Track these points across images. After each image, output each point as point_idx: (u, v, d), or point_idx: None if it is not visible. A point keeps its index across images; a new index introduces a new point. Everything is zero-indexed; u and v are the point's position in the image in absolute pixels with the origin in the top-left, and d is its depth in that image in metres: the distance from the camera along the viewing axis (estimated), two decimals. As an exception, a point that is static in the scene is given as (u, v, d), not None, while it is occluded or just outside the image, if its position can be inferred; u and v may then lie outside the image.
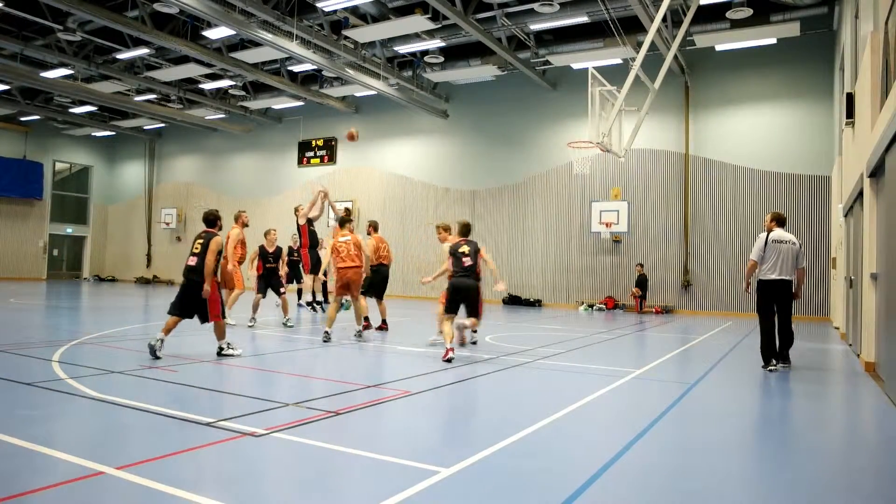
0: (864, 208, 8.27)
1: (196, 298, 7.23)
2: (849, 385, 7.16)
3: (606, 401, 5.73)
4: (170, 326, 7.23)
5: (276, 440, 4.03)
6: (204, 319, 7.34)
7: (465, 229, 8.71)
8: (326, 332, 9.28)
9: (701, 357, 9.01)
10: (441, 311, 8.56)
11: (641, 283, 18.55)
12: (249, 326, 10.87)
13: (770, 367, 7.61)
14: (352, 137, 12.29)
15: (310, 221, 12.20)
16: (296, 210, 12.54)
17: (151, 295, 20.90)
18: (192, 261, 7.26)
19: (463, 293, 8.23)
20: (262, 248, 11.68)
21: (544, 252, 20.66)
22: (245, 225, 11.29)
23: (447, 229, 9.36)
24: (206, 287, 7.21)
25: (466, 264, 8.24)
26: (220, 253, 7.34)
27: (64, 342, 8.25)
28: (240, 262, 11.46)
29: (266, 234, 11.84)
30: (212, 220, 7.60)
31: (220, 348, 7.54)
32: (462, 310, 8.37)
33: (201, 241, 7.38)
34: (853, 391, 6.83)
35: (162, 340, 7.13)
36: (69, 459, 3.49)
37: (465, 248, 8.30)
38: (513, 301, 20.64)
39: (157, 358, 7.02)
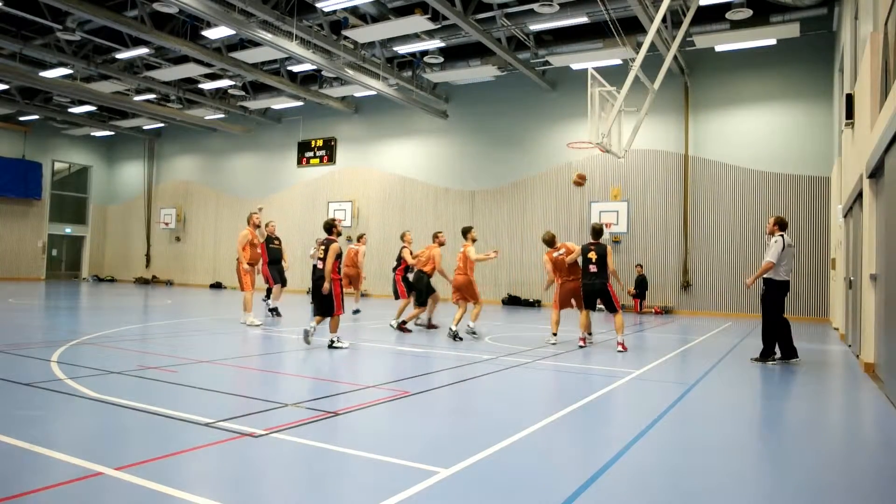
0: (864, 209, 8.27)
1: (323, 296, 8.37)
2: (848, 386, 7.16)
3: (606, 401, 5.73)
4: (318, 322, 8.60)
5: (274, 441, 4.02)
6: (329, 313, 8.42)
7: (596, 233, 9.59)
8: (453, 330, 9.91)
9: (700, 358, 9.00)
10: (556, 316, 9.80)
11: (640, 283, 18.55)
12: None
13: (795, 360, 8.26)
14: (581, 181, 12.94)
15: (269, 239, 12.09)
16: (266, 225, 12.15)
17: (150, 295, 20.88)
18: (320, 264, 8.48)
19: (592, 295, 9.36)
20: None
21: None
22: (256, 226, 11.56)
23: (549, 242, 10.24)
24: (326, 285, 8.28)
25: (592, 270, 9.25)
26: (339, 255, 8.48)
27: (63, 342, 8.23)
28: (251, 264, 11.51)
29: (402, 236, 12.26)
30: (328, 227, 8.71)
31: (332, 341, 8.42)
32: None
33: (324, 247, 8.46)
34: (852, 392, 6.83)
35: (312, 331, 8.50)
36: (68, 460, 3.48)
37: (591, 255, 9.27)
38: (512, 301, 20.64)
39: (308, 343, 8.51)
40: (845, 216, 11.28)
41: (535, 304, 20.27)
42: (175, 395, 5.42)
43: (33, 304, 15.67)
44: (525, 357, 8.24)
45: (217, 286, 27.84)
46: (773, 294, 8.17)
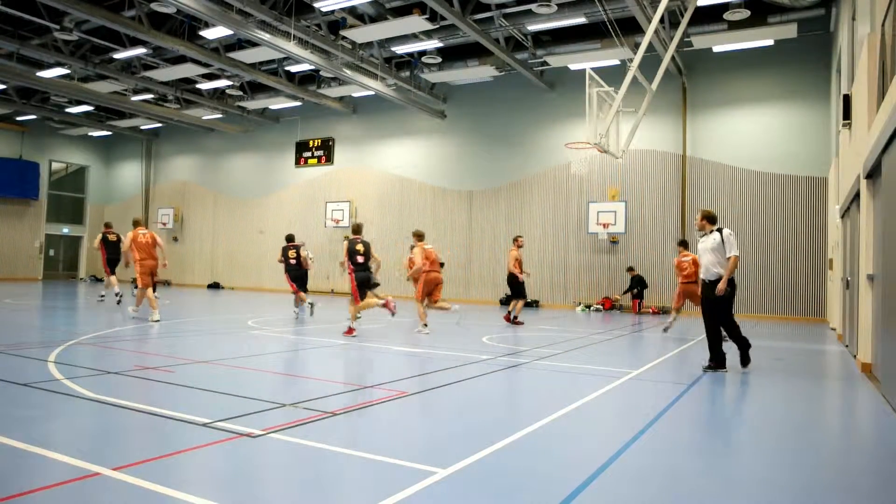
0: (861, 209, 8.29)
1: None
2: (845, 386, 7.18)
3: (604, 401, 5.74)
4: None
5: (272, 441, 4.02)
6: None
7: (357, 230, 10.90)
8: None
9: (698, 358, 9.01)
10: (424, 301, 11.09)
11: (639, 283, 18.54)
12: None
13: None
14: None
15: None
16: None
17: (148, 295, 20.81)
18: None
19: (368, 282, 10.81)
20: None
21: (541, 252, 20.68)
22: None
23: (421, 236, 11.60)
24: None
25: (360, 261, 10.57)
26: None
27: (60, 343, 8.22)
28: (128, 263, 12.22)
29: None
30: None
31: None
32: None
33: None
34: (850, 392, 6.85)
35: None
36: (65, 460, 3.47)
37: (359, 247, 10.61)
38: (510, 301, 20.58)
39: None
40: (842, 216, 11.30)
41: (532, 304, 20.27)
42: (173, 396, 5.41)
43: (30, 304, 15.64)
44: (522, 357, 8.25)
45: (215, 286, 27.80)
46: (731, 292, 7.85)
